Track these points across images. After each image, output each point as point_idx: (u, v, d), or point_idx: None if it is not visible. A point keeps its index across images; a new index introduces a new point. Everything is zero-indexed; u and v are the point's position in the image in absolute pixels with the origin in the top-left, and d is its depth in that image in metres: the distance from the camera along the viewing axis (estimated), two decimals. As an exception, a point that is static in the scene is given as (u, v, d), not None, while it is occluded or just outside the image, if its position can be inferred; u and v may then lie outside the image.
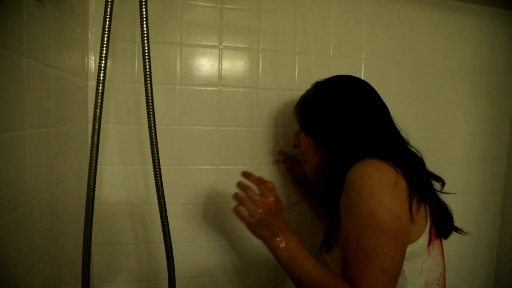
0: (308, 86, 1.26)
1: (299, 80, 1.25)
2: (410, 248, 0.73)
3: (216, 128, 1.19)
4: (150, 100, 0.80)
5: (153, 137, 0.81)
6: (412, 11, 1.36)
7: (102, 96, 0.72)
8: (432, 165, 1.44)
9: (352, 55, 1.31)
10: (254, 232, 0.77)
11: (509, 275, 1.57)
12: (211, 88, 1.18)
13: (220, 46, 1.18)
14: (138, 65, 1.11)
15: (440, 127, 1.45)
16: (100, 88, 0.72)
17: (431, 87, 1.42)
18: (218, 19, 1.17)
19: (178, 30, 1.14)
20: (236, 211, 0.78)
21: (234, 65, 1.19)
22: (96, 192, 0.78)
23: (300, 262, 0.72)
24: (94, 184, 0.74)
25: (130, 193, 1.15)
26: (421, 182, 0.77)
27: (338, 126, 0.82)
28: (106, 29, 0.72)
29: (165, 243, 0.86)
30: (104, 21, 0.73)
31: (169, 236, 0.86)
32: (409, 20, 1.36)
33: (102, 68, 0.72)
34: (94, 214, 0.76)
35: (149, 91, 0.79)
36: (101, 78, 0.72)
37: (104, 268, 1.15)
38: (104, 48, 0.73)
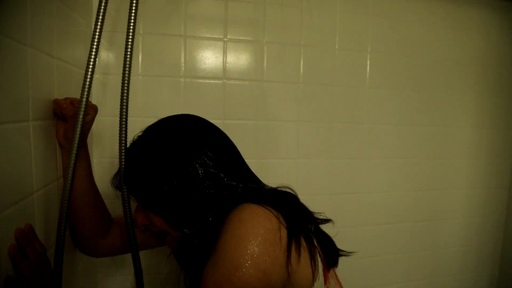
0: (313, 79, 1.26)
1: (304, 73, 1.24)
2: None
3: (221, 121, 1.18)
4: (125, 92, 0.78)
5: (123, 130, 0.79)
6: (418, 4, 1.35)
7: (89, 86, 0.70)
8: (437, 160, 1.45)
9: (358, 48, 1.30)
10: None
11: (514, 270, 1.57)
12: (215, 81, 1.17)
13: (225, 39, 1.16)
14: (142, 57, 1.10)
15: (446, 121, 1.44)
16: (88, 78, 0.69)
17: (437, 81, 1.41)
18: (223, 11, 1.15)
19: (183, 22, 1.13)
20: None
21: (239, 58, 1.18)
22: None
23: None
24: (73, 178, 0.70)
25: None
26: (302, 225, 0.67)
27: (193, 194, 0.67)
28: (100, 18, 0.71)
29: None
30: (98, 10, 0.71)
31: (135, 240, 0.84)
32: (415, 12, 1.35)
33: (92, 58, 0.70)
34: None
35: (126, 83, 0.77)
36: (90, 67, 0.69)
37: (108, 261, 1.15)
38: (96, 38, 0.71)
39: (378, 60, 1.32)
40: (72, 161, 0.69)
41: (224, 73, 1.17)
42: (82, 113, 0.69)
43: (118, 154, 1.10)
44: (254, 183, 0.75)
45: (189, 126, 0.75)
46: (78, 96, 0.71)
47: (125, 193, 0.79)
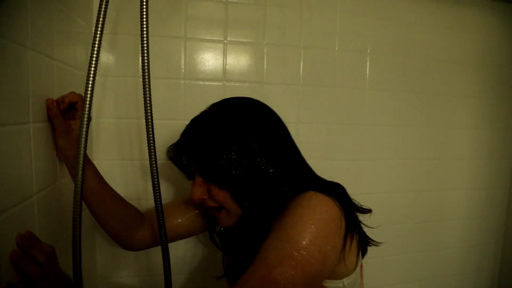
0: (313, 81, 1.26)
1: (304, 75, 1.24)
2: (348, 280, 0.70)
3: (221, 123, 1.18)
4: (148, 95, 0.78)
5: (150, 132, 0.78)
6: (418, 5, 1.35)
7: (92, 89, 0.69)
8: (438, 161, 1.45)
9: (358, 49, 1.30)
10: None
11: (514, 271, 1.57)
12: (215, 83, 1.17)
13: (225, 41, 1.17)
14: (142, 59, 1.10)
15: (446, 122, 1.44)
16: (91, 81, 0.68)
17: (437, 82, 1.41)
18: (223, 13, 1.15)
19: (183, 24, 1.13)
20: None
21: (239, 60, 1.18)
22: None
23: None
24: (83, 178, 0.70)
25: (128, 188, 1.14)
26: (354, 215, 0.72)
27: (262, 166, 0.69)
28: (101, 20, 0.71)
29: (160, 241, 0.84)
30: (99, 13, 0.71)
31: (165, 234, 0.84)
32: (415, 13, 1.35)
33: (94, 61, 0.69)
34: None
35: (147, 86, 0.78)
36: (92, 71, 0.68)
37: (107, 263, 1.15)
38: (97, 41, 0.70)
39: (378, 61, 1.32)
40: (80, 178, 0.66)
41: (224, 75, 1.17)
42: (85, 123, 0.66)
43: (117, 156, 1.11)
44: (311, 172, 0.80)
45: (260, 105, 0.78)
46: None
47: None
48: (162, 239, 0.82)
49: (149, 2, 0.75)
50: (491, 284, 1.62)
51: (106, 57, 1.08)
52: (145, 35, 0.74)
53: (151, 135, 0.78)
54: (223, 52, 1.17)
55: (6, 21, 0.54)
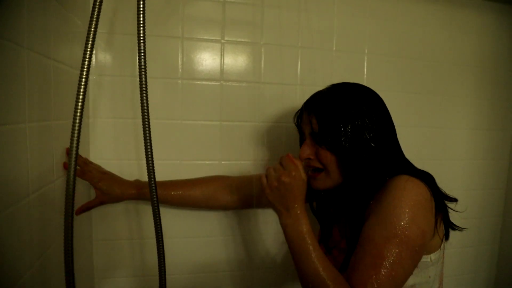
0: (311, 81, 1.26)
1: (301, 75, 1.24)
2: (435, 256, 0.81)
3: (218, 123, 1.18)
4: (144, 94, 0.79)
5: (147, 131, 0.79)
6: (416, 6, 1.35)
7: (85, 88, 0.68)
8: (435, 161, 1.45)
9: (355, 50, 1.30)
10: (268, 200, 0.81)
11: (510, 272, 1.57)
12: (213, 83, 1.17)
13: (222, 40, 1.16)
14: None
15: (444, 123, 1.44)
16: (83, 80, 0.67)
17: (434, 83, 1.41)
18: (220, 13, 1.15)
19: (180, 24, 1.12)
20: (261, 176, 0.84)
21: (237, 60, 1.18)
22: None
23: (306, 249, 0.74)
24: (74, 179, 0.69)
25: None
26: (441, 199, 0.81)
27: (370, 141, 0.81)
28: (94, 19, 0.70)
29: (156, 239, 0.85)
30: (93, 11, 0.71)
31: (161, 232, 0.85)
32: (413, 15, 1.35)
33: (87, 61, 0.68)
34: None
35: (144, 85, 0.78)
36: (85, 70, 0.67)
37: (104, 263, 1.15)
38: (90, 40, 0.70)
39: (375, 62, 1.32)
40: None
41: (222, 74, 1.17)
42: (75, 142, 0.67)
43: (113, 156, 1.11)
44: (405, 159, 0.89)
45: (375, 93, 0.90)
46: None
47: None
48: (159, 236, 0.83)
49: (146, 2, 0.75)
50: (488, 284, 1.62)
51: (103, 57, 1.08)
52: (141, 34, 0.74)
53: (147, 135, 0.78)
54: (221, 51, 1.17)
55: (2, 20, 0.54)
